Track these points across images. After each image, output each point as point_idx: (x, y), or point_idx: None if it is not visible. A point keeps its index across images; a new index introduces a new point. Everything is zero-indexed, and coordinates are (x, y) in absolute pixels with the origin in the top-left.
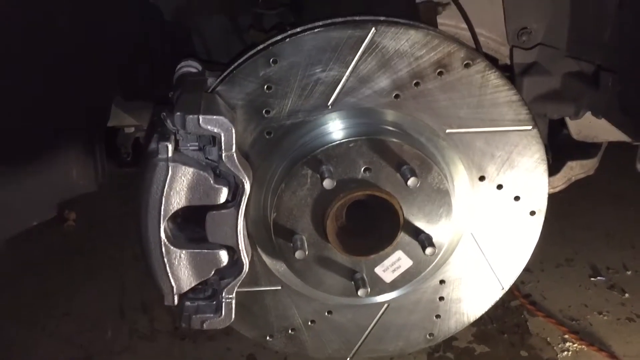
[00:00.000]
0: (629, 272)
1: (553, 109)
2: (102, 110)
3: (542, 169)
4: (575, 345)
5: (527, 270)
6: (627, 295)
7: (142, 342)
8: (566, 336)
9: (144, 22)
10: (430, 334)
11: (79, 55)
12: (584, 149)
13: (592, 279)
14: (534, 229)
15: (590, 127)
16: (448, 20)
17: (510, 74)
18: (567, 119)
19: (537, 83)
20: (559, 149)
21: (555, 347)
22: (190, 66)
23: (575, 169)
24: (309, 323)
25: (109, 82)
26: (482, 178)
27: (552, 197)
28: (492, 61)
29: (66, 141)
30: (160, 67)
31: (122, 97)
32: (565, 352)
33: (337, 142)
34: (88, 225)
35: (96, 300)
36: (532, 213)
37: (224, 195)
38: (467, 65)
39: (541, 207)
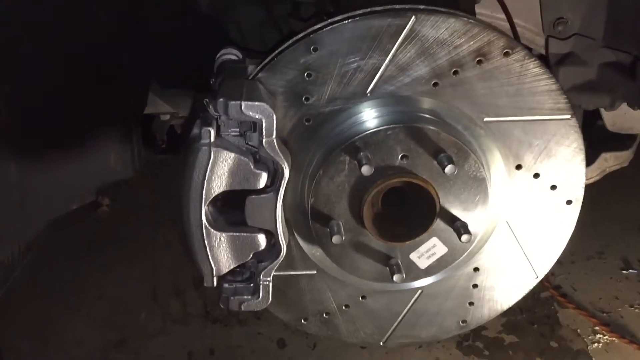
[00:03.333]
0: None
1: (588, 100)
2: (139, 98)
3: (580, 158)
4: (606, 337)
5: (557, 262)
6: None
7: (175, 325)
8: (597, 328)
9: (181, 12)
10: (464, 321)
11: (118, 45)
12: (619, 141)
13: (624, 271)
14: (570, 218)
15: (626, 118)
16: (484, 9)
17: (545, 64)
18: (602, 110)
19: (573, 73)
20: (593, 140)
21: (585, 339)
22: (231, 54)
23: (610, 161)
24: (343, 307)
25: (147, 69)
26: (519, 167)
27: (585, 189)
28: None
29: (105, 128)
30: (195, 56)
31: (159, 85)
32: (596, 344)
33: (375, 129)
34: (121, 211)
35: (129, 284)
36: (569, 202)
37: (263, 180)
38: (506, 54)
39: (578, 196)
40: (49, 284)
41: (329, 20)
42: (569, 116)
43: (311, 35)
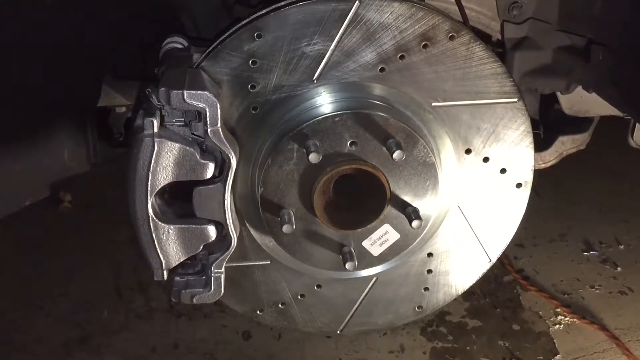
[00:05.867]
0: (621, 247)
1: (544, 84)
2: (92, 90)
3: (528, 141)
4: (567, 318)
5: (520, 245)
6: (619, 269)
7: (138, 320)
8: (558, 310)
9: (133, 0)
10: (419, 307)
11: (67, 35)
12: (576, 124)
13: (585, 253)
14: (520, 201)
15: (582, 101)
16: None
17: (501, 49)
18: (559, 94)
19: (528, 57)
20: (550, 124)
21: (547, 321)
22: (176, 42)
23: (567, 144)
24: (299, 297)
25: (99, 61)
26: (468, 151)
27: (544, 173)
28: (485, 37)
29: (56, 122)
30: (150, 45)
31: (113, 77)
32: (557, 326)
33: (323, 116)
34: (84, 207)
35: (93, 280)
36: (519, 185)
37: (210, 170)
38: (451, 38)
39: (527, 179)
40: (10, 282)
41: (273, 6)
42: (515, 99)
43: (255, 22)
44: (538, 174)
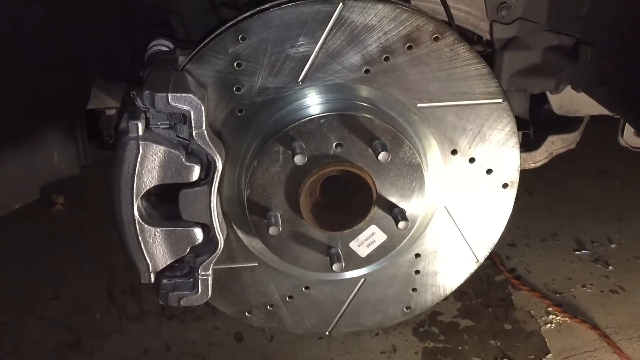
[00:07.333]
0: (613, 245)
1: (533, 84)
2: (81, 93)
3: (514, 141)
4: (559, 317)
5: (512, 245)
6: (611, 268)
7: (130, 323)
8: (550, 309)
9: (123, 3)
10: (408, 307)
11: (57, 37)
12: (566, 123)
13: (577, 252)
14: (506, 201)
15: (572, 101)
16: None
17: (491, 49)
18: (548, 93)
19: (518, 57)
20: (540, 124)
21: (539, 320)
22: (162, 45)
23: (557, 143)
24: (287, 299)
25: (89, 63)
26: (454, 152)
27: (536, 172)
28: (475, 37)
29: (45, 124)
30: (140, 48)
31: (102, 79)
32: (549, 325)
33: (308, 118)
34: (77, 209)
35: (85, 283)
36: (505, 185)
37: (196, 173)
38: (436, 39)
39: (513, 179)
40: (2, 285)
41: (257, 9)
42: (500, 100)
43: (239, 24)
44: (530, 174)
